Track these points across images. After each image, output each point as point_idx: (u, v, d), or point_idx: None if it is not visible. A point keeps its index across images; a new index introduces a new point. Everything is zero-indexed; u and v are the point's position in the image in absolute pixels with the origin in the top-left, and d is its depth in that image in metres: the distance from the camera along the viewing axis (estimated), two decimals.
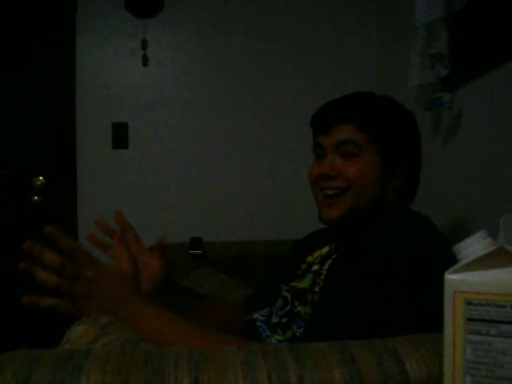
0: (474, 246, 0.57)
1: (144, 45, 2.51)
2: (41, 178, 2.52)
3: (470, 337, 0.53)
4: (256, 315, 1.23)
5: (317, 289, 1.10)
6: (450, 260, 0.92)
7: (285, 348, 0.82)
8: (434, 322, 0.94)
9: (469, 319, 0.53)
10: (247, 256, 2.34)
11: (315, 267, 1.17)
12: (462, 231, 1.60)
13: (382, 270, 0.96)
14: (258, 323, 1.18)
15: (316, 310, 1.05)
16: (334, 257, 1.13)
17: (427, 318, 0.88)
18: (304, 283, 1.16)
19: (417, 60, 1.72)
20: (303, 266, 1.24)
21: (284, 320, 1.14)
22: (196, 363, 0.79)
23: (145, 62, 2.52)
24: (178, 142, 2.58)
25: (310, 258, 1.24)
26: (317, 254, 1.22)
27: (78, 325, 1.29)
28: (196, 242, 2.33)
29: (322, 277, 1.10)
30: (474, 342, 0.53)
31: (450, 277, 0.55)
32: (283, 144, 2.61)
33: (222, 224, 2.59)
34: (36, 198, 2.51)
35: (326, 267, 1.12)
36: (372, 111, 1.19)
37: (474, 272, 0.54)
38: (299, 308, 1.12)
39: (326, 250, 1.19)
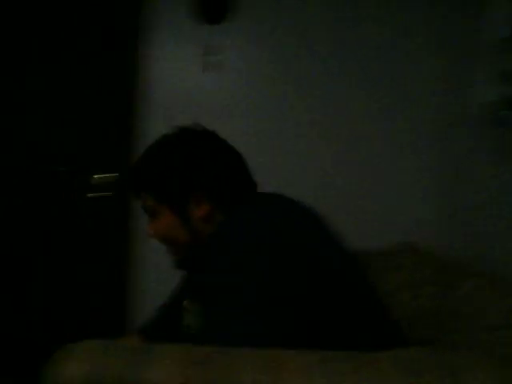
0: None
1: (209, 50, 2.54)
2: (99, 175, 2.59)
3: None
4: None
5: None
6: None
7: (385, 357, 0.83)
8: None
9: None
10: None
11: (185, 303, 1.24)
12: None
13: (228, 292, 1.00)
14: None
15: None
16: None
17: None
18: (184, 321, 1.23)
19: (483, 77, 1.70)
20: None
21: None
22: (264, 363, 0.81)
23: (209, 67, 2.56)
24: (244, 147, 2.58)
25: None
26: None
27: None
28: None
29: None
30: None
31: None
32: (365, 148, 2.58)
33: None
34: (93, 194, 2.58)
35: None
36: (139, 172, 1.24)
37: None
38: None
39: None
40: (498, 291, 1.30)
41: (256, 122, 2.61)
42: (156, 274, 2.58)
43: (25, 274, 2.55)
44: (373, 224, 2.49)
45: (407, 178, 2.49)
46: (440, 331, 1.33)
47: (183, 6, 2.54)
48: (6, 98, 2.54)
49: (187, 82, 2.60)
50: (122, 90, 2.60)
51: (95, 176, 2.57)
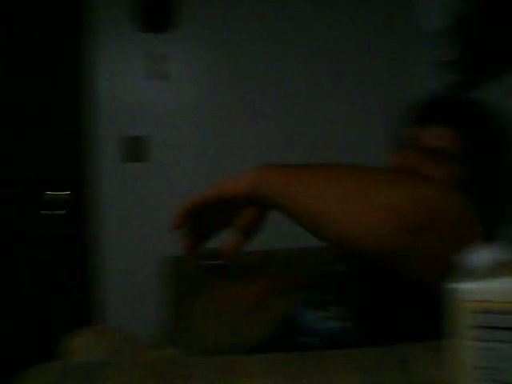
0: (484, 254, 0.57)
1: (160, 59, 2.53)
2: (51, 192, 2.55)
3: (479, 344, 0.54)
4: None
5: None
6: None
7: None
8: None
9: (478, 327, 0.54)
10: (270, 266, 2.19)
11: None
12: None
13: None
14: None
15: None
16: None
17: None
18: None
19: (425, 67, 1.72)
20: None
21: None
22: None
23: (162, 75, 2.54)
24: (196, 155, 2.59)
25: None
26: None
27: (74, 337, 1.31)
28: (214, 253, 2.30)
29: None
30: (483, 348, 0.53)
31: (459, 285, 0.56)
32: (304, 150, 2.60)
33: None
34: (47, 212, 2.54)
35: None
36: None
37: (484, 280, 0.55)
38: None
39: None
40: None
41: (203, 129, 2.61)
42: (117, 288, 2.58)
43: None
44: None
45: None
46: None
47: (127, 15, 2.53)
48: None
49: (135, 92, 2.58)
50: (69, 104, 2.57)
51: (47, 193, 2.53)
